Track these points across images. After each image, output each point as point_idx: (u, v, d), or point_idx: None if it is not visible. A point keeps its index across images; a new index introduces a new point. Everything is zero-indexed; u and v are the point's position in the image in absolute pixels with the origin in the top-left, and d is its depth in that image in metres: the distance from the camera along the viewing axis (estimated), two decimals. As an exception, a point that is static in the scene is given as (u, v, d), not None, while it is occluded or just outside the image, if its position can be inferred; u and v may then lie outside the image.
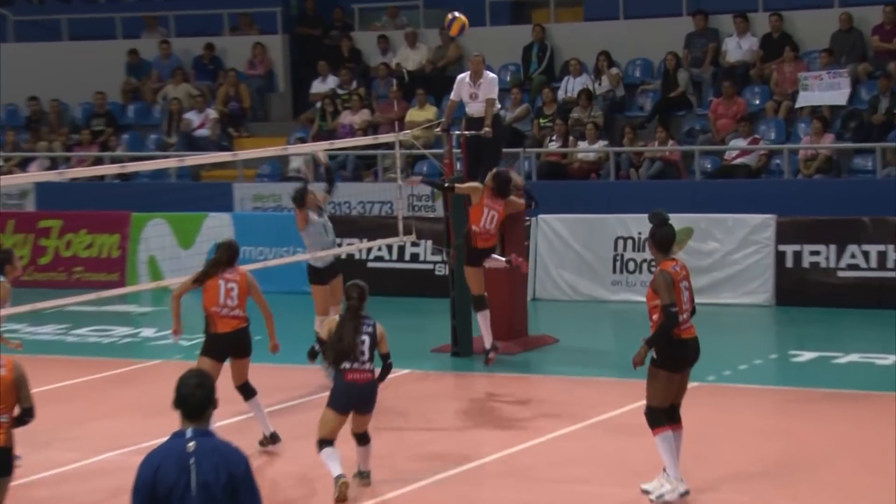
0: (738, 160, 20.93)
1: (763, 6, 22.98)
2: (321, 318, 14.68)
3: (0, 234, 22.89)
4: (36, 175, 19.87)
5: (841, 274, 18.68)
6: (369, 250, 20.41)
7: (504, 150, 18.07)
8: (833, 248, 18.71)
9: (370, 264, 20.72)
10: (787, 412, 13.92)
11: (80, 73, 26.25)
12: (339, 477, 11.08)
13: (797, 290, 18.75)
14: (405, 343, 17.20)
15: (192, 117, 24.78)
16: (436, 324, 17.45)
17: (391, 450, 12.71)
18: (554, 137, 22.11)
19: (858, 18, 22.07)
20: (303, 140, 22.85)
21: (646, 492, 11.12)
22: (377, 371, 11.32)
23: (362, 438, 11.53)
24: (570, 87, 22.95)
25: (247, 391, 12.67)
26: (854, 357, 15.92)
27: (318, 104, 24.20)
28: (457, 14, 16.63)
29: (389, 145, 18.65)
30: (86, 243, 22.52)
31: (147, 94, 26.25)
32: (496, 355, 15.52)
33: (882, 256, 18.46)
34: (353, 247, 19.72)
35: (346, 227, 20.62)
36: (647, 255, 19.68)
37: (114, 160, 22.89)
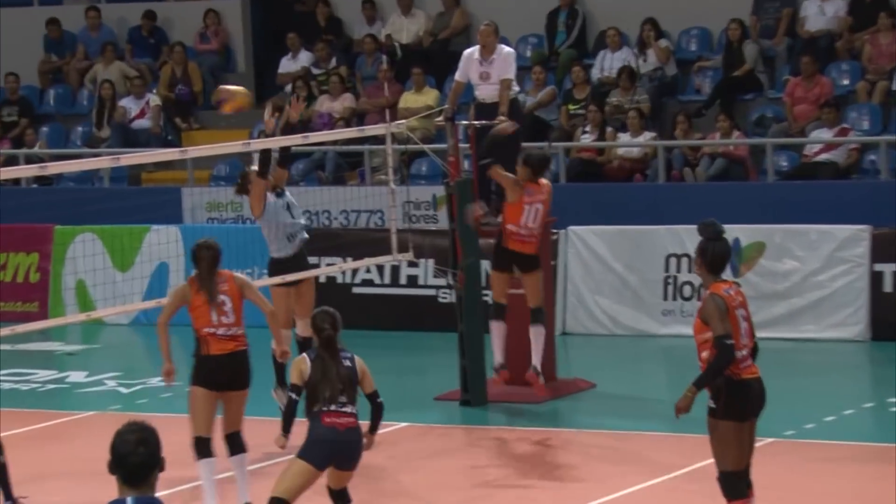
0: (822, 156, 20.92)
1: (852, -40, 22.96)
2: (285, 331, 14.70)
3: None
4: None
5: (954, 300, 18.77)
6: (354, 272, 20.49)
7: (523, 143, 17.92)
8: (944, 267, 18.82)
9: (356, 289, 20.87)
10: (883, 475, 13.94)
11: (-15, 48, 26.39)
12: None
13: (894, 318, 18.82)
14: (402, 389, 17.35)
15: (130, 105, 24.95)
16: (440, 364, 17.61)
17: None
18: (587, 128, 22.15)
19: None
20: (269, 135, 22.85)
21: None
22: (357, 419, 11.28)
23: (341, 497, 11.44)
24: (608, 64, 23.03)
25: (235, 444, 12.72)
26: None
27: (289, 87, 24.29)
28: (234, 89, 15.70)
29: (379, 139, 18.69)
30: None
31: (71, 75, 26.45)
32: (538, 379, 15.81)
33: None
34: (335, 267, 19.75)
35: (326, 242, 20.65)
36: (695, 270, 19.75)
37: (31, 159, 22.95)
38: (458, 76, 17.40)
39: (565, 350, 18.29)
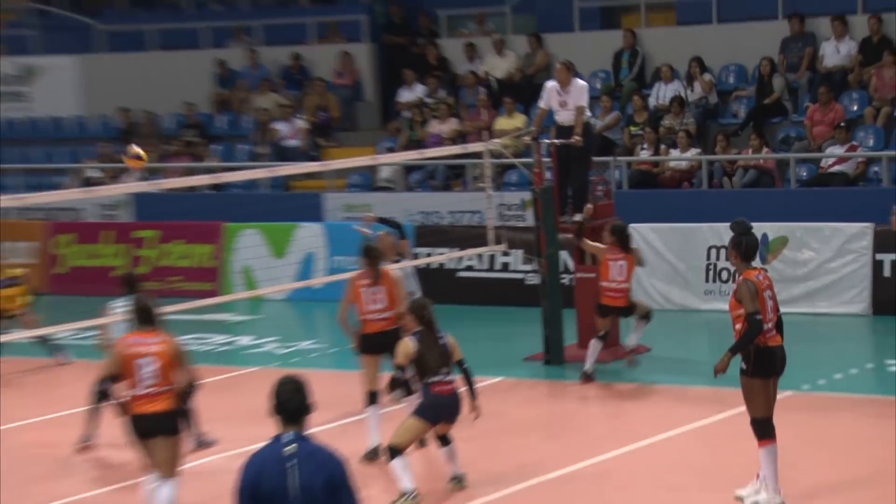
0: (835, 168, 20.80)
1: (862, 8, 22.74)
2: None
3: (95, 244, 23.31)
4: (131, 186, 20.06)
5: (940, 283, 18.67)
6: (459, 260, 20.50)
7: (594, 158, 18.07)
8: (933, 256, 18.73)
9: (460, 274, 20.94)
10: (882, 422, 13.90)
11: (169, 83, 26.60)
12: (411, 492, 11.23)
13: (895, 300, 18.70)
14: (497, 352, 17.48)
15: (282, 127, 25.06)
16: (527, 332, 17.60)
17: (484, 455, 12.93)
18: (645, 146, 22.13)
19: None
20: (392, 150, 22.97)
21: (739, 498, 11.27)
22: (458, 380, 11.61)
23: (445, 439, 11.74)
24: (662, 94, 22.98)
25: (374, 399, 13.10)
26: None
27: (406, 113, 24.40)
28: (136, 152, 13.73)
29: (478, 154, 18.75)
30: (182, 253, 22.91)
31: (236, 104, 26.58)
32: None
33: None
34: (444, 256, 19.89)
35: (436, 236, 20.87)
36: (729, 259, 19.73)
37: (206, 171, 23.14)
38: (541, 104, 17.48)
39: (627, 322, 18.31)
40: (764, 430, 11.07)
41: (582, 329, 17.22)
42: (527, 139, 17.61)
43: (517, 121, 22.55)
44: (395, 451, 11.31)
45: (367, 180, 23.88)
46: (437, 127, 23.81)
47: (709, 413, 14.22)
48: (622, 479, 12.32)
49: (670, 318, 19.53)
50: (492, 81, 24.42)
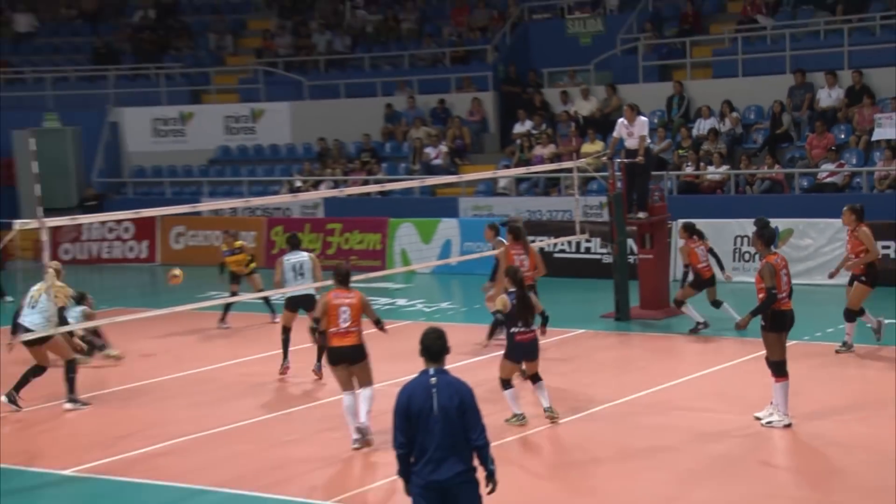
0: (828, 179, 20.42)
1: (848, 65, 22.26)
2: None
3: (300, 232, 23.61)
4: (324, 192, 20.39)
5: (905, 263, 18.11)
6: (555, 245, 20.31)
7: (652, 172, 17.98)
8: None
9: (556, 255, 20.64)
10: (864, 363, 13.57)
11: (352, 120, 26.64)
12: (520, 415, 11.00)
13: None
14: (581, 311, 17.31)
15: (430, 151, 25.03)
16: (603, 298, 17.40)
17: (569, 387, 12.78)
18: (689, 163, 21.86)
19: (921, 73, 21.37)
20: (507, 166, 22.96)
21: (758, 418, 11.03)
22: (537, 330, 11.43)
23: (535, 378, 11.28)
24: (702, 126, 22.60)
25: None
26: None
27: (518, 141, 24.24)
28: (174, 273, 14.22)
29: (569, 170, 18.56)
30: (359, 240, 22.89)
31: (398, 135, 26.58)
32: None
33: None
34: (544, 242, 19.71)
35: (539, 228, 20.75)
36: (753, 246, 19.34)
37: (376, 182, 23.38)
38: (614, 134, 17.29)
39: (675, 289, 18.00)
40: (779, 369, 10.86)
41: (643, 296, 16.96)
42: (604, 159, 17.51)
43: (597, 146, 22.30)
44: (504, 384, 11.10)
45: (489, 188, 23.92)
46: (539, 150, 23.65)
47: (734, 357, 13.95)
48: (671, 404, 12.06)
49: (706, 287, 19.24)
50: (579, 118, 24.23)
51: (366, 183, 23.51)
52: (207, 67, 29.58)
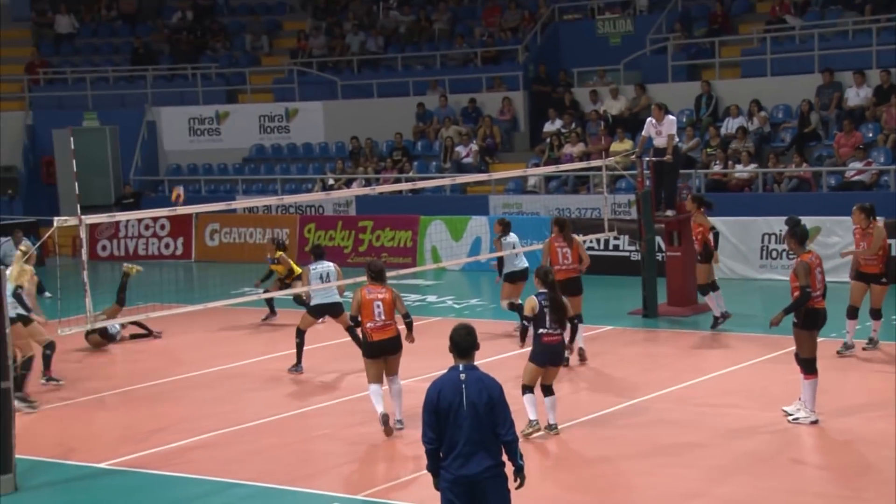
0: (855, 178, 20.15)
1: (876, 64, 22.03)
2: None
3: (332, 230, 23.57)
4: (356, 190, 20.37)
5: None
6: (584, 242, 20.08)
7: (681, 171, 17.82)
8: (927, 241, 17.91)
9: (584, 252, 20.64)
10: (890, 360, 13.38)
11: (385, 120, 26.62)
12: (534, 421, 10.53)
13: (898, 273, 17.98)
14: (609, 307, 17.20)
15: (461, 150, 24.96)
16: (631, 294, 17.28)
17: (598, 380, 12.73)
18: (717, 162, 21.68)
19: (949, 72, 21.11)
20: (537, 165, 22.87)
21: (786, 412, 10.91)
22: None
23: (548, 390, 10.70)
24: (730, 125, 22.41)
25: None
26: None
27: (548, 140, 24.12)
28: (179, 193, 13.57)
29: (598, 168, 18.51)
30: (390, 237, 22.79)
31: (430, 134, 26.54)
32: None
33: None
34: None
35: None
36: (786, 245, 19.15)
37: (408, 180, 23.33)
38: (643, 133, 17.17)
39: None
40: (809, 366, 10.75)
41: (671, 292, 16.85)
42: (633, 157, 17.43)
43: (626, 145, 22.17)
44: (525, 388, 10.60)
45: (519, 186, 23.84)
46: (569, 149, 23.52)
47: (761, 354, 13.77)
48: (695, 399, 11.96)
49: (734, 284, 19.05)
50: (608, 117, 24.09)
51: (397, 181, 23.52)
52: (243, 67, 29.66)
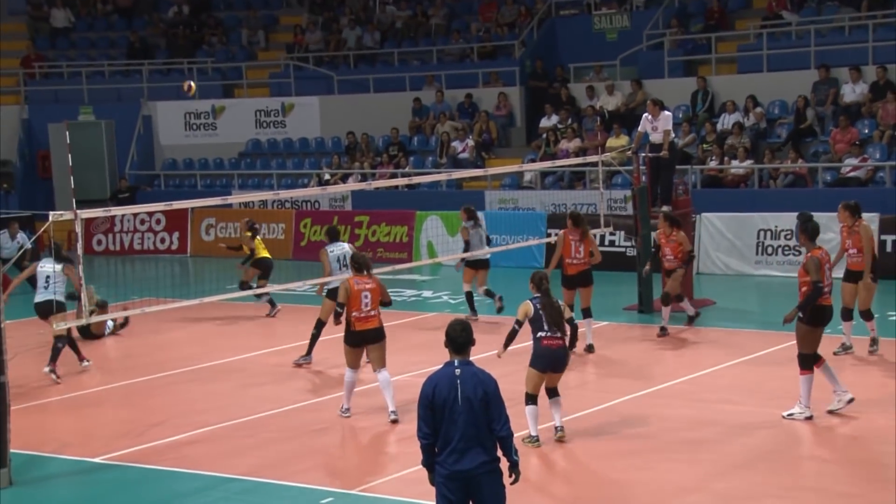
0: (851, 174, 20.18)
1: (872, 60, 22.05)
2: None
3: (328, 225, 23.55)
4: (352, 185, 20.32)
5: (929, 257, 17.86)
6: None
7: (677, 167, 17.82)
8: (923, 238, 17.95)
9: (580, 248, 20.62)
10: (887, 357, 13.38)
11: (381, 115, 26.64)
12: (535, 438, 10.13)
13: (894, 268, 17.89)
14: (605, 303, 17.16)
15: (457, 145, 24.95)
16: (626, 290, 17.30)
17: (592, 379, 12.73)
18: (713, 158, 21.68)
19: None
20: (533, 160, 22.85)
21: (790, 415, 10.87)
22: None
23: (553, 392, 10.37)
24: (726, 121, 22.43)
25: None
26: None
27: (544, 135, 24.14)
28: (191, 84, 14.77)
29: (594, 164, 18.45)
30: (386, 232, 22.80)
31: (426, 129, 26.54)
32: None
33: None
34: (569, 235, 19.66)
35: (563, 221, 20.26)
36: (782, 241, 19.17)
37: (404, 175, 23.29)
38: (639, 128, 17.16)
39: (699, 283, 17.90)
40: (807, 362, 10.72)
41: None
42: (629, 153, 17.40)
43: (622, 140, 22.16)
44: (528, 398, 10.16)
45: (515, 182, 23.84)
46: (565, 144, 23.55)
47: (757, 349, 13.77)
48: (691, 395, 11.96)
49: (729, 280, 19.12)
50: (605, 112, 24.09)
51: (393, 176, 23.50)
52: (239, 62, 29.64)
